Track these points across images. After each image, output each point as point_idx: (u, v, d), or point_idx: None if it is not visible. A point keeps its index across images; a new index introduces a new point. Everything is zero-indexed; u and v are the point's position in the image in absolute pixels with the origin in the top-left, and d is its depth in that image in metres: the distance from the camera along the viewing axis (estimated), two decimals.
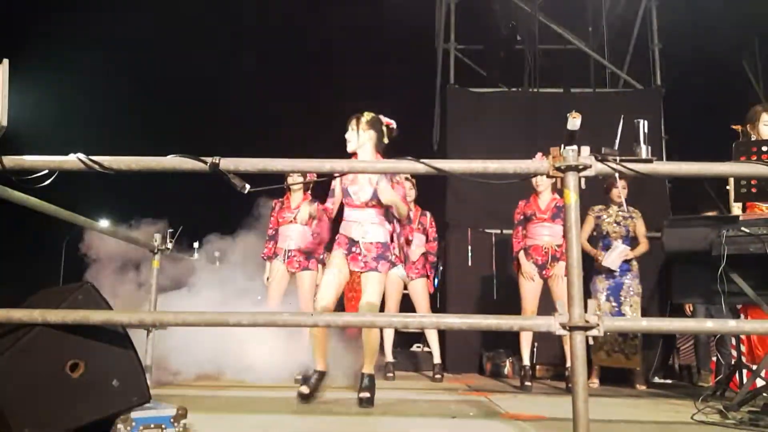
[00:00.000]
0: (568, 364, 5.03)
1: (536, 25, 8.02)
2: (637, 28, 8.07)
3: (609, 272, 5.36)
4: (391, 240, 3.94)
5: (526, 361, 5.23)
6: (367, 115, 3.91)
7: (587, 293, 5.39)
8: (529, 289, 5.20)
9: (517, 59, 8.16)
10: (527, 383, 5.09)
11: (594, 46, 8.39)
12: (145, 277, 5.15)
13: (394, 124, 3.98)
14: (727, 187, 4.14)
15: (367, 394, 3.63)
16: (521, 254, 5.26)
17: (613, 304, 5.32)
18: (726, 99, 7.41)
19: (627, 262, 5.36)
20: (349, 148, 3.90)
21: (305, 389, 3.75)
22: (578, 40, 8.35)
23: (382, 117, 3.94)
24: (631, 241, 5.42)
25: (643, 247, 5.39)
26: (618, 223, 5.42)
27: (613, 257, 5.30)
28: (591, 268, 5.37)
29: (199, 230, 6.36)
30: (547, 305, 5.32)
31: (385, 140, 3.94)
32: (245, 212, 6.09)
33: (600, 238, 5.44)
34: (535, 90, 7.82)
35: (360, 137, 3.87)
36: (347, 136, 3.91)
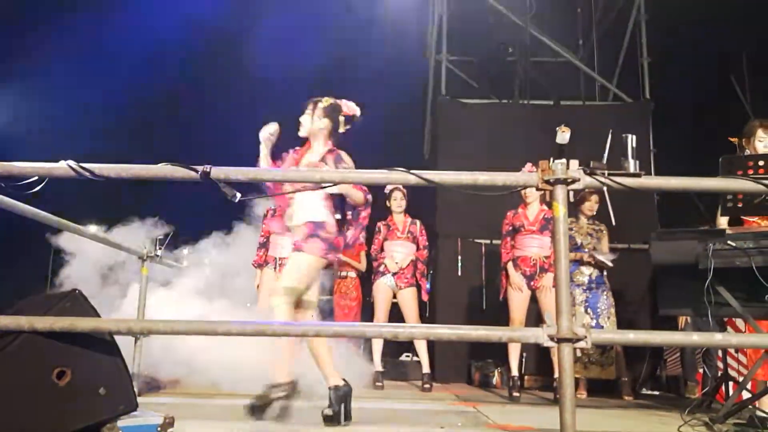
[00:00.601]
0: (557, 375, 5.05)
1: (527, 38, 8.08)
2: (627, 41, 8.15)
3: (587, 285, 5.42)
4: (340, 227, 3.59)
5: (515, 372, 5.25)
6: (326, 101, 3.67)
7: None
8: (518, 300, 5.22)
9: (508, 71, 8.21)
10: (515, 394, 5.10)
11: (584, 59, 8.46)
12: (123, 278, 5.10)
13: (357, 112, 3.72)
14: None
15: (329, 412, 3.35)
16: (509, 265, 5.29)
17: (591, 316, 5.38)
18: (714, 113, 7.48)
19: (601, 275, 5.47)
20: (301, 133, 3.69)
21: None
22: (568, 53, 8.42)
23: (344, 103, 3.70)
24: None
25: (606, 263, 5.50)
26: (590, 235, 5.53)
27: (604, 257, 5.44)
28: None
29: (190, 235, 6.32)
30: (535, 316, 5.36)
31: (341, 129, 3.69)
32: (237, 216, 6.06)
33: (573, 250, 5.48)
34: (526, 102, 7.87)
35: (314, 123, 3.65)
36: (301, 119, 3.68)
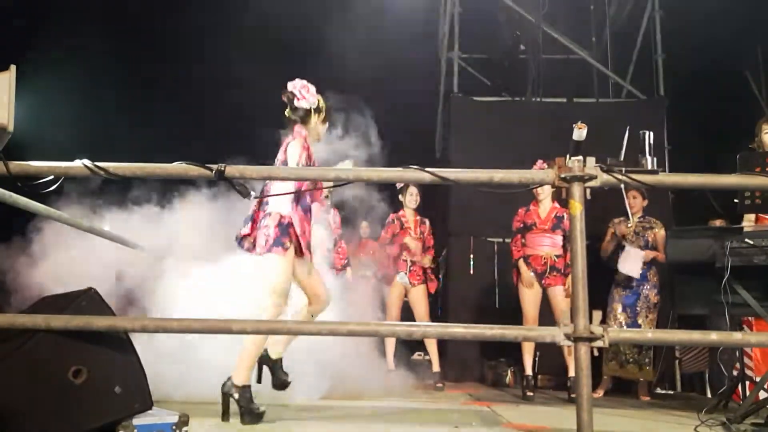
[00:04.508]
0: (570, 374, 5.03)
1: (540, 35, 8.03)
2: (641, 38, 8.08)
3: (627, 283, 5.32)
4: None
5: (529, 371, 5.22)
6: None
7: (604, 305, 5.40)
8: (530, 297, 5.19)
9: (521, 68, 8.16)
10: (529, 393, 5.07)
11: (597, 56, 8.39)
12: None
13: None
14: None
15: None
16: (521, 262, 5.26)
17: (629, 315, 5.28)
18: (729, 109, 7.41)
19: (644, 273, 5.29)
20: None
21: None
22: (582, 50, 8.36)
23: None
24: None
25: (660, 255, 5.28)
26: (637, 233, 5.38)
27: (630, 265, 5.24)
28: (611, 279, 5.39)
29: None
30: (548, 314, 5.32)
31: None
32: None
33: (619, 249, 5.42)
34: (539, 99, 7.82)
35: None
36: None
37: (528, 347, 5.26)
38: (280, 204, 3.36)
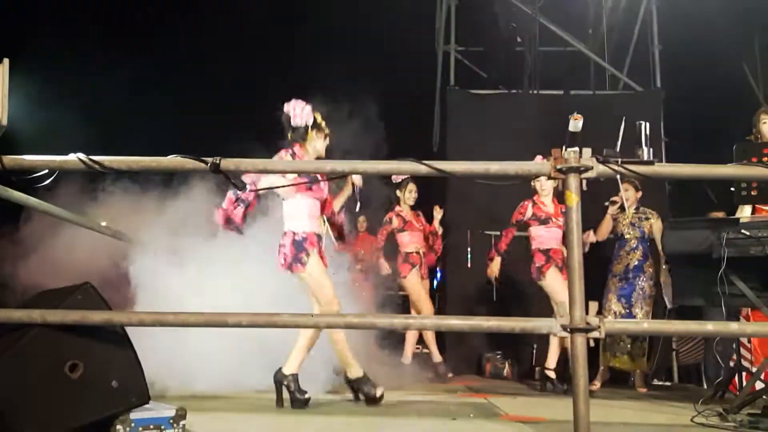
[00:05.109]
0: (548, 365, 5.09)
1: (536, 27, 8.00)
2: (638, 30, 8.06)
3: (622, 275, 5.33)
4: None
5: (552, 363, 5.13)
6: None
7: (600, 296, 5.41)
8: (562, 281, 4.97)
9: (518, 61, 8.14)
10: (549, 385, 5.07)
11: (594, 48, 8.36)
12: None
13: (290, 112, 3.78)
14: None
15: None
16: (497, 258, 5.27)
17: (624, 306, 5.28)
18: (725, 101, 7.41)
19: (639, 264, 5.31)
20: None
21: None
22: (578, 42, 8.34)
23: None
24: (649, 243, 5.37)
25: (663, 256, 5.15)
26: (633, 225, 5.38)
27: (669, 291, 5.28)
28: (606, 269, 5.39)
29: None
30: (547, 308, 5.31)
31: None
32: None
33: (616, 240, 5.42)
34: (535, 92, 7.81)
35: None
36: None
37: (554, 341, 5.13)
38: (293, 222, 3.64)
